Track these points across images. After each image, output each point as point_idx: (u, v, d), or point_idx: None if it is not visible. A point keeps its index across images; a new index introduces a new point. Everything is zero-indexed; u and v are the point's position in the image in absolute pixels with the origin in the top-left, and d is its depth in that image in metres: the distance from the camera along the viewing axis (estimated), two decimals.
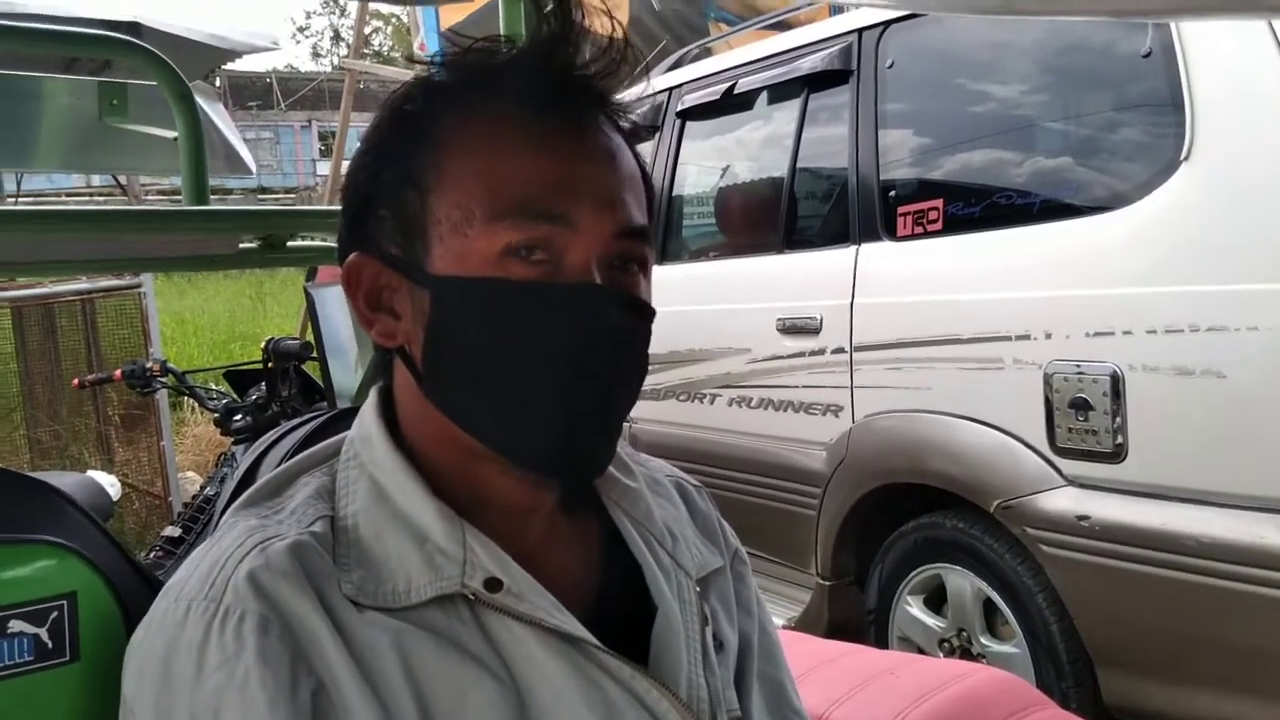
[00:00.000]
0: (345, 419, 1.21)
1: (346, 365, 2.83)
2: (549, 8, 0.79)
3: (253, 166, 2.60)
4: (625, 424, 0.85)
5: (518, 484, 0.82)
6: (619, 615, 0.87)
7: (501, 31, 1.43)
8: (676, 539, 0.96)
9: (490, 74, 0.80)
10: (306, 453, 0.89)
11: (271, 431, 1.22)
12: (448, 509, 0.80)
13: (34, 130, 1.80)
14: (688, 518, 1.01)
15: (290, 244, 1.37)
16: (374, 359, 0.92)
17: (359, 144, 0.86)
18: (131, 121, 1.76)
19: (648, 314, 0.83)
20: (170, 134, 1.43)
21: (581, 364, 0.77)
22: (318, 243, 1.43)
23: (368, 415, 0.86)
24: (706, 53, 4.68)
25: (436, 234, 0.78)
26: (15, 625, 0.87)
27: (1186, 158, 2.35)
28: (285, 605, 0.73)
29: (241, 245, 1.35)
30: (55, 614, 0.89)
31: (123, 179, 13.36)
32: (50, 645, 0.89)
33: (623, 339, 0.79)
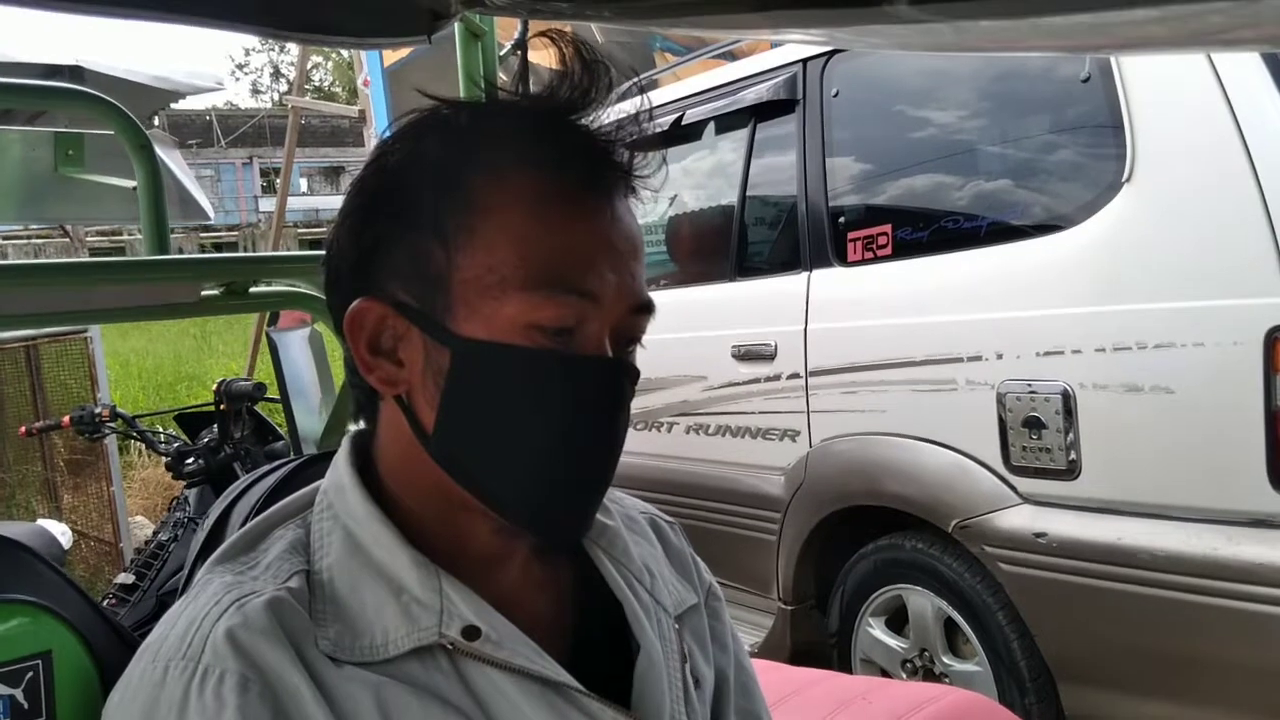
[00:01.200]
0: (314, 465, 1.20)
1: (310, 409, 2.81)
2: (575, 63, 0.78)
3: (210, 212, 2.58)
4: None
5: (499, 536, 0.82)
6: (598, 656, 0.87)
7: (459, 73, 1.44)
8: (655, 576, 0.96)
9: (524, 133, 0.79)
10: (279, 504, 0.88)
11: (239, 481, 1.21)
12: (422, 557, 0.79)
13: None
14: (663, 555, 1.02)
15: (253, 289, 1.36)
16: (342, 404, 0.92)
17: (364, 181, 0.83)
18: (89, 171, 1.74)
19: (637, 381, 0.84)
20: (129, 183, 1.42)
21: (590, 433, 0.78)
22: (280, 288, 1.42)
23: (341, 464, 0.85)
24: (653, 84, 4.71)
25: (462, 294, 0.77)
26: None
27: (1128, 179, 2.41)
28: (264, 663, 0.72)
29: (204, 293, 1.34)
30: (30, 674, 0.88)
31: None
32: (26, 706, 0.87)
33: (623, 409, 0.81)
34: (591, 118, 0.79)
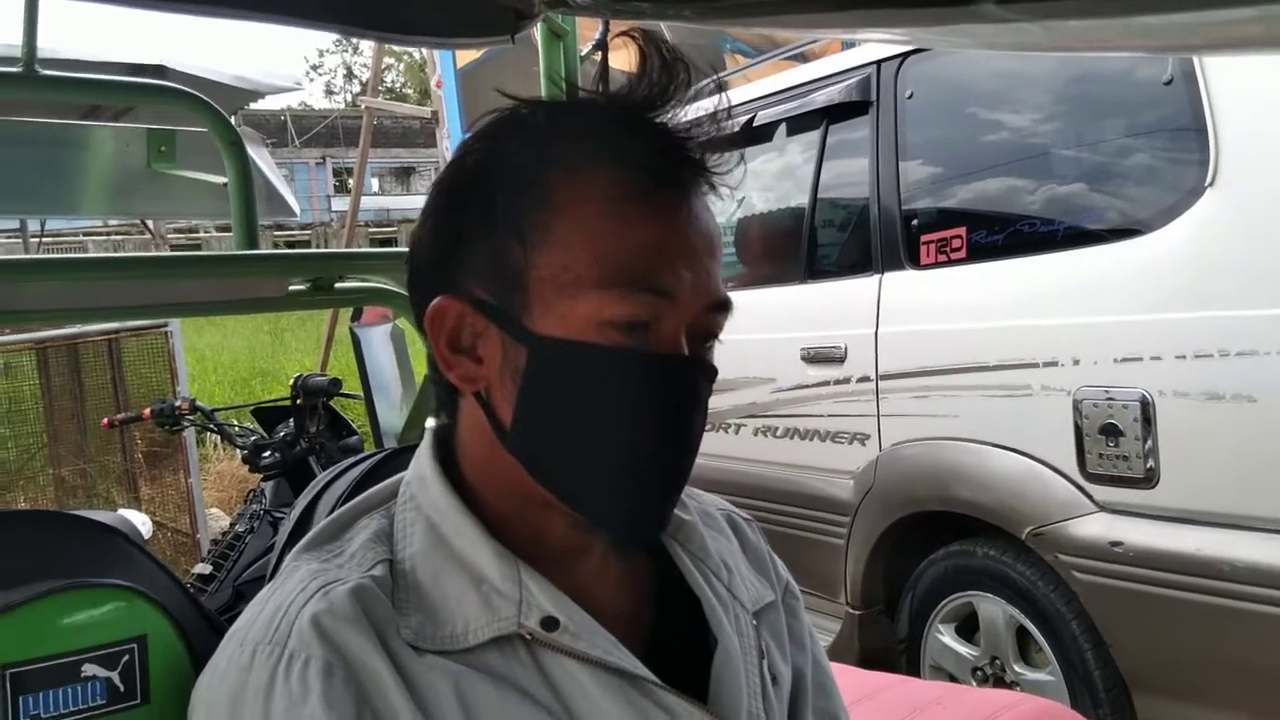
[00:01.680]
0: (397, 458, 1.22)
1: (392, 404, 2.85)
2: (654, 61, 0.78)
3: (296, 208, 2.63)
4: None
5: (575, 531, 0.83)
6: (675, 650, 0.88)
7: (541, 73, 1.46)
8: (732, 572, 0.96)
9: (601, 131, 0.80)
10: (364, 495, 0.89)
11: (325, 472, 1.24)
12: (503, 549, 0.80)
13: (82, 178, 1.82)
14: (740, 551, 1.02)
15: (338, 285, 1.39)
16: (423, 399, 0.93)
17: (445, 180, 0.84)
18: (179, 167, 1.78)
19: (714, 379, 0.84)
20: (220, 179, 1.46)
21: (667, 431, 0.79)
22: (364, 284, 1.44)
23: (423, 457, 0.87)
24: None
25: (538, 292, 0.77)
26: (88, 669, 0.89)
27: (1211, 184, 2.36)
28: (349, 649, 0.73)
29: (291, 288, 1.37)
30: (126, 657, 0.91)
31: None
32: (122, 688, 0.90)
33: (700, 408, 0.81)
34: (669, 115, 0.79)
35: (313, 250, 1.99)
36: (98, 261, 1.21)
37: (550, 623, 0.78)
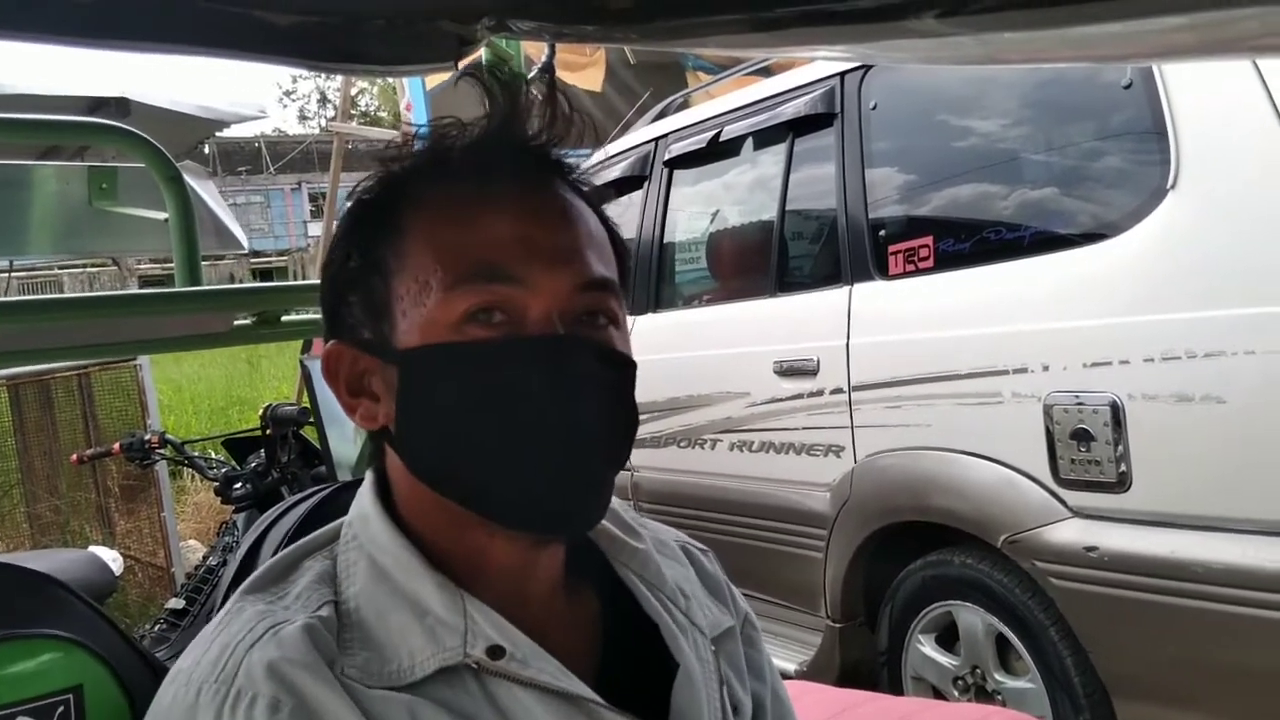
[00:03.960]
0: (345, 492, 1.20)
1: (345, 436, 2.84)
2: (497, 92, 0.82)
3: (244, 241, 2.61)
4: (626, 473, 0.86)
5: (510, 545, 0.82)
6: (632, 678, 0.87)
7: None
8: (689, 598, 0.96)
9: (442, 156, 0.83)
10: (308, 537, 0.89)
11: (272, 509, 1.22)
12: (446, 580, 0.80)
13: (24, 217, 1.81)
14: (696, 578, 1.01)
15: (284, 319, 1.37)
16: (367, 441, 0.93)
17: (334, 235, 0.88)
18: (122, 204, 1.77)
19: (621, 363, 0.83)
20: (161, 215, 1.44)
21: (550, 414, 0.78)
22: (310, 315, 1.43)
23: (364, 495, 0.87)
24: (686, 103, 4.72)
25: (399, 310, 0.80)
26: None
27: (1173, 185, 2.37)
28: (300, 687, 0.72)
29: (236, 322, 1.36)
30: (61, 708, 0.89)
31: None
32: None
33: (592, 387, 0.79)
34: (509, 125, 0.82)
35: (255, 285, 1.98)
36: (36, 304, 1.20)
37: (496, 651, 0.78)
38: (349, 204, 0.87)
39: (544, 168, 0.84)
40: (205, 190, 2.33)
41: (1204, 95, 2.38)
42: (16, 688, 0.87)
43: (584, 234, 0.83)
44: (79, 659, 0.91)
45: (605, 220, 0.88)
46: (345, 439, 2.80)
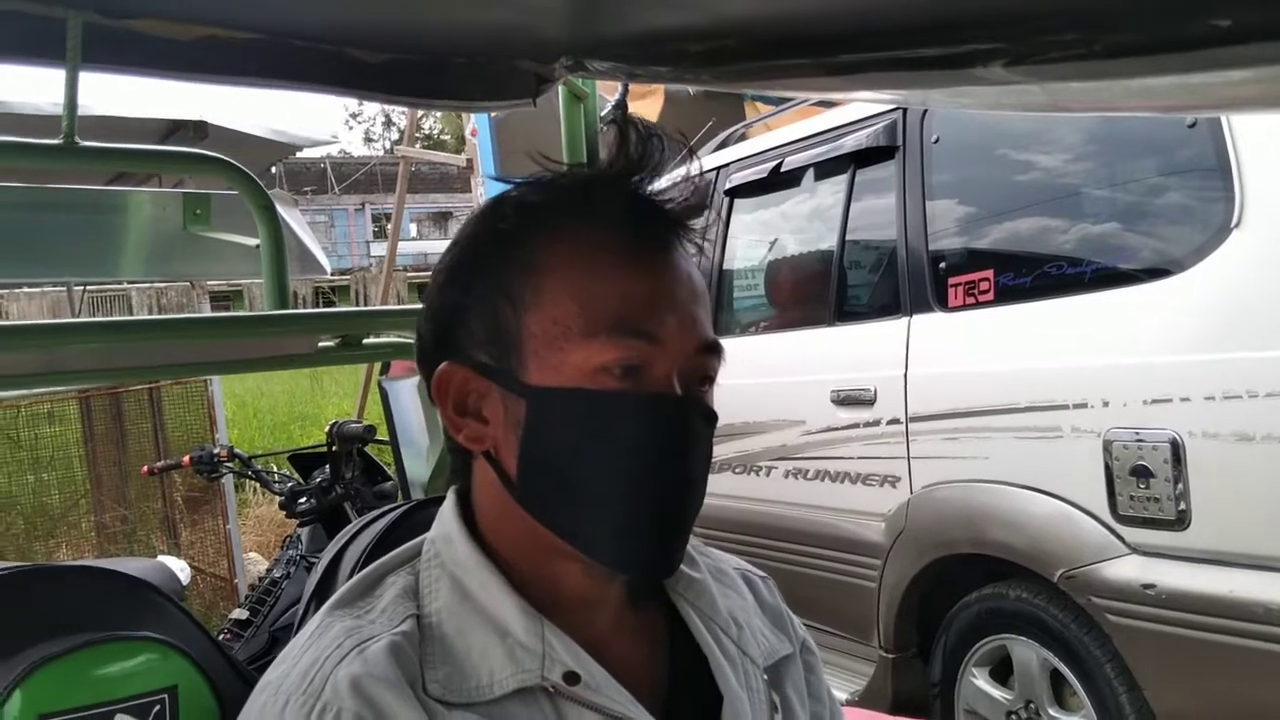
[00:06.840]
0: (421, 510, 1.25)
1: (419, 455, 2.89)
2: (632, 137, 0.85)
3: (327, 268, 2.69)
4: None
5: (588, 578, 0.85)
6: (687, 705, 0.90)
7: (562, 128, 1.50)
8: (742, 627, 0.98)
9: (581, 198, 0.86)
10: (390, 554, 0.92)
11: (349, 527, 1.27)
12: (528, 605, 0.83)
13: (119, 240, 1.89)
14: (755, 606, 1.03)
15: (366, 341, 1.43)
16: (445, 457, 0.96)
17: (445, 256, 0.90)
18: (214, 230, 1.84)
19: (715, 422, 0.87)
20: (252, 241, 1.51)
21: (665, 470, 0.82)
22: (391, 339, 1.48)
23: (447, 515, 0.90)
24: (744, 134, 4.75)
25: (532, 348, 0.82)
26: (120, 719, 0.92)
27: (1237, 224, 2.37)
28: (380, 704, 0.75)
29: (320, 344, 1.41)
30: (158, 707, 0.93)
31: None
32: None
33: (699, 445, 0.84)
34: (646, 182, 0.85)
35: (341, 310, 2.04)
36: (136, 324, 1.26)
37: (572, 677, 0.81)
38: (475, 225, 0.89)
39: (673, 226, 0.86)
40: (292, 217, 2.41)
41: (1268, 135, 2.37)
42: (117, 686, 0.92)
43: (701, 295, 0.87)
44: (175, 661, 0.95)
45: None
46: (419, 458, 2.85)
